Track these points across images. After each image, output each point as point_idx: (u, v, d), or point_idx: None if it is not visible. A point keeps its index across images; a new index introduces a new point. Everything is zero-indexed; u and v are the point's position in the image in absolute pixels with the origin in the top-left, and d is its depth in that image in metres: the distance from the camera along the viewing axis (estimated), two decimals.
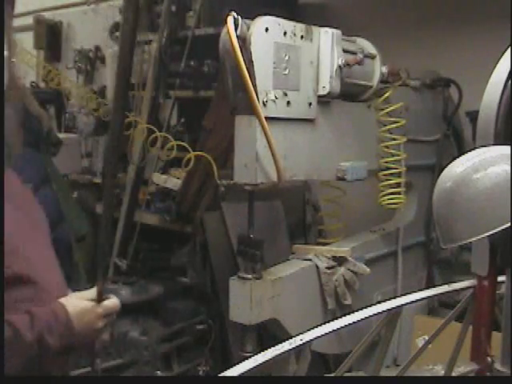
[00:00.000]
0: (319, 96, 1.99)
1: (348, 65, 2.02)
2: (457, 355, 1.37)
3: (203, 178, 2.85)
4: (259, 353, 1.11)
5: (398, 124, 2.32)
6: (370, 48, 2.22)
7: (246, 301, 1.86)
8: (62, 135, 3.35)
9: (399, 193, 2.36)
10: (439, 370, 1.39)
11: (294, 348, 1.14)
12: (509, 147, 1.13)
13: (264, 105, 1.76)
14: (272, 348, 1.12)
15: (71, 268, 2.64)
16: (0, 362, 1.21)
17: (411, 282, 2.62)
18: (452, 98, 2.84)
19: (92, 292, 1.46)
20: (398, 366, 2.35)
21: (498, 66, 1.37)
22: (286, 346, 1.13)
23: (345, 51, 2.03)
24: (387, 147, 2.33)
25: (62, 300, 1.38)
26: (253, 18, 1.75)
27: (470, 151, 1.18)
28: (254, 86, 1.71)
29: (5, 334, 1.25)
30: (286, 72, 1.84)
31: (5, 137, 1.37)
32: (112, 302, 1.45)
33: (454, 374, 1.36)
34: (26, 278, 1.36)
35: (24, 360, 1.28)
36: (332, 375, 1.28)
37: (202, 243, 2.79)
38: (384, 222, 2.64)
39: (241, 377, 1.05)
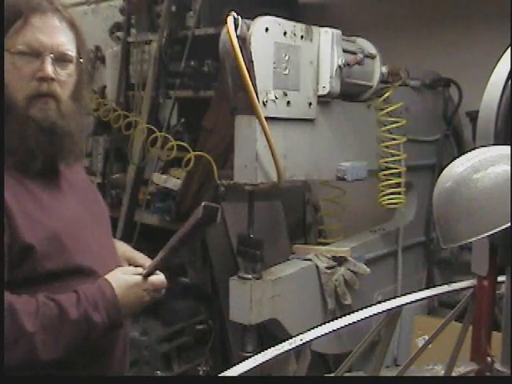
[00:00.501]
0: (319, 96, 1.99)
1: (348, 65, 2.02)
2: (457, 355, 1.37)
3: (203, 178, 2.84)
4: (259, 353, 1.11)
5: (398, 124, 2.32)
6: (370, 48, 2.22)
7: (245, 301, 1.86)
8: None
9: (399, 193, 2.36)
10: (439, 370, 1.39)
11: (293, 348, 1.14)
12: (509, 147, 1.13)
13: (264, 105, 1.76)
14: (272, 348, 1.12)
15: None
16: (0, 362, 1.22)
17: (411, 281, 2.62)
18: (452, 98, 2.84)
19: (139, 268, 1.47)
20: (398, 365, 2.35)
21: (498, 65, 1.37)
22: (285, 346, 1.13)
23: (345, 51, 2.03)
24: (387, 147, 2.33)
25: (109, 275, 1.39)
26: (253, 18, 1.75)
27: (470, 151, 1.18)
28: (254, 86, 1.71)
29: (52, 312, 1.27)
30: (286, 72, 1.84)
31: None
32: (158, 278, 1.45)
33: (454, 374, 1.36)
34: (88, 269, 1.40)
35: (72, 338, 1.29)
36: (332, 375, 1.28)
37: (202, 243, 2.78)
38: (384, 222, 2.64)
39: (241, 377, 1.05)
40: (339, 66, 1.98)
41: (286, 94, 1.84)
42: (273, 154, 1.76)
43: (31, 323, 1.24)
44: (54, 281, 1.34)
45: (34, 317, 1.25)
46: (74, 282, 1.36)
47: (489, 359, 1.34)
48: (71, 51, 1.40)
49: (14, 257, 1.28)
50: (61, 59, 1.37)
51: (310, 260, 2.15)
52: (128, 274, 1.42)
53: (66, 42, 1.39)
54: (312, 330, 1.19)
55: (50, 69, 1.34)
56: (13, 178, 1.33)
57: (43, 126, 1.34)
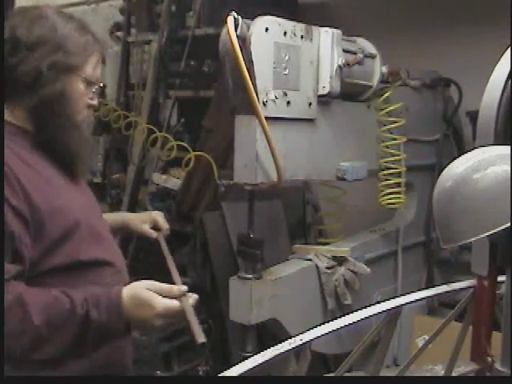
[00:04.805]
0: (319, 96, 1.98)
1: (348, 65, 2.02)
2: (457, 355, 1.37)
3: (203, 178, 2.85)
4: (259, 353, 1.11)
5: (398, 124, 2.32)
6: (370, 48, 2.22)
7: (246, 301, 1.86)
8: None
9: (399, 193, 2.36)
10: (439, 370, 1.40)
11: (293, 348, 1.13)
12: (509, 147, 1.14)
13: (264, 105, 1.76)
14: (272, 348, 1.12)
15: None
16: (0, 362, 1.22)
17: (411, 282, 2.62)
18: (452, 98, 2.84)
19: (165, 286, 1.40)
20: (398, 365, 2.35)
21: (498, 65, 1.37)
22: (285, 345, 1.13)
23: (345, 51, 2.03)
24: (387, 147, 2.33)
25: (130, 285, 1.37)
26: (253, 18, 1.75)
27: (470, 151, 1.18)
28: (254, 85, 1.71)
29: (63, 306, 1.28)
30: (286, 72, 1.84)
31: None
32: (172, 303, 1.37)
33: (454, 374, 1.36)
34: (103, 260, 1.44)
35: (72, 333, 1.28)
36: (332, 375, 1.28)
37: (202, 243, 2.78)
38: (384, 221, 2.64)
39: (241, 377, 1.05)
40: (339, 66, 1.98)
41: (286, 94, 1.84)
42: (273, 154, 1.76)
43: (38, 316, 1.25)
44: (72, 272, 1.37)
45: (42, 310, 1.26)
46: (91, 274, 1.40)
47: (489, 359, 1.35)
48: None
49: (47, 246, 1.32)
50: None
51: (310, 260, 2.15)
52: (149, 289, 1.36)
53: None
54: (312, 330, 1.19)
55: None
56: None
57: None
